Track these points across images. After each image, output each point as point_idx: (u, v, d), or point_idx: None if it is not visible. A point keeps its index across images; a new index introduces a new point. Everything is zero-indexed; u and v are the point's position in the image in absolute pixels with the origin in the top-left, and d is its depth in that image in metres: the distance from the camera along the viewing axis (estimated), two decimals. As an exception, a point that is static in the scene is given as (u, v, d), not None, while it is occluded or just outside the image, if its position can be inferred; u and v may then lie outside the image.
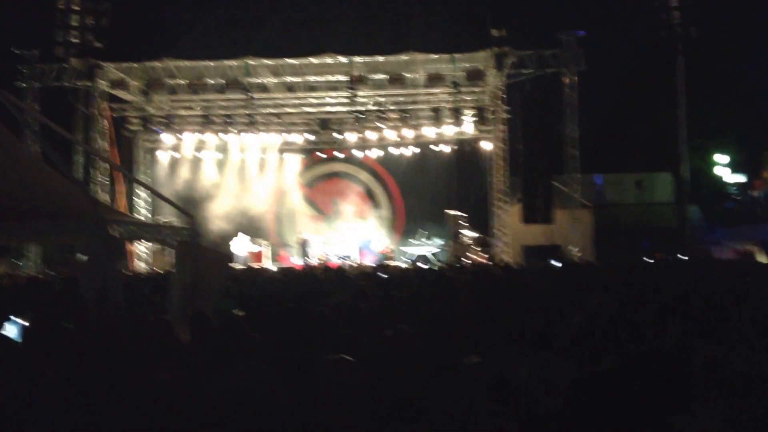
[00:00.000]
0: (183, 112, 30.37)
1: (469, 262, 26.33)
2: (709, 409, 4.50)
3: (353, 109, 29.14)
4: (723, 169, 38.26)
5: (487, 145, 29.75)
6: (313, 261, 28.16)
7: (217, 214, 29.36)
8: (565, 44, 27.13)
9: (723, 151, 38.06)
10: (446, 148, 31.01)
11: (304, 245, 29.93)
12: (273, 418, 4.15)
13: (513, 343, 6.32)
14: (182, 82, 28.05)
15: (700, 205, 34.12)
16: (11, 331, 8.50)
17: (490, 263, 25.30)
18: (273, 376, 4.24)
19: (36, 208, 7.42)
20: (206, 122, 29.60)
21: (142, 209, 31.01)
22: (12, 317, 8.17)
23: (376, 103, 29.29)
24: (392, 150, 31.42)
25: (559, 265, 21.54)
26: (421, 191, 31.66)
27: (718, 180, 38.31)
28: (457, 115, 28.78)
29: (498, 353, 5.91)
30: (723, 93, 39.68)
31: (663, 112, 32.81)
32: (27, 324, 8.15)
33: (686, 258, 23.68)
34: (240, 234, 29.28)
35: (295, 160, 32.97)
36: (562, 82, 27.55)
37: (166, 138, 30.72)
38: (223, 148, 31.70)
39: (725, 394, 4.59)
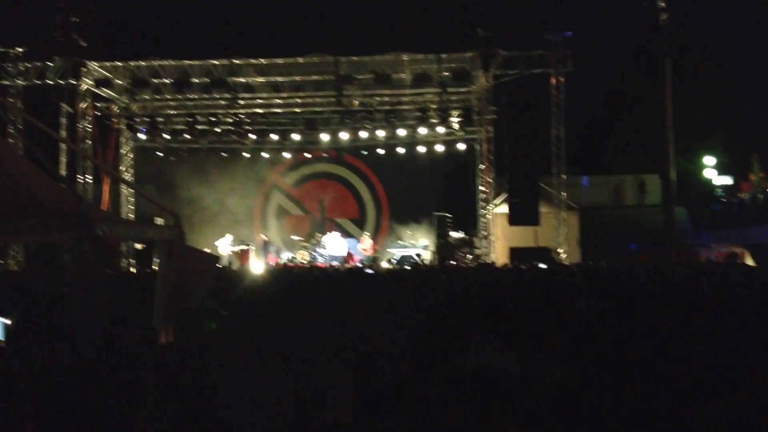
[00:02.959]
0: (168, 111, 30.22)
1: (455, 263, 26.32)
2: (703, 409, 4.48)
3: (339, 109, 29.07)
4: (710, 171, 38.35)
5: (473, 146, 29.74)
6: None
7: (202, 213, 29.23)
8: (552, 45, 27.05)
9: (710, 154, 38.14)
10: (432, 149, 30.97)
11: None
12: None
13: (502, 343, 6.29)
14: (167, 81, 27.89)
15: (687, 207, 34.16)
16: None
17: (477, 264, 25.32)
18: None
19: (21, 206, 7.33)
20: (191, 121, 29.45)
21: (127, 208, 30.86)
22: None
23: (362, 103, 29.23)
24: (378, 150, 31.36)
25: (545, 266, 21.52)
26: (407, 192, 31.61)
27: (706, 182, 38.40)
28: (443, 115, 28.75)
29: (486, 353, 5.87)
30: (710, 95, 39.78)
31: (650, 114, 32.84)
32: (9, 323, 8.06)
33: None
34: (226, 234, 29.17)
35: (281, 160, 32.85)
36: (549, 83, 27.54)
37: (151, 137, 30.59)
38: (208, 148, 31.55)
39: (720, 394, 4.58)
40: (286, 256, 29.86)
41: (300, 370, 4.75)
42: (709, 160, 38.29)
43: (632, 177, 35.35)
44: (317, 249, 29.39)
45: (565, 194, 28.39)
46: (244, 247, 29.29)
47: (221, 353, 5.97)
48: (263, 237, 30.61)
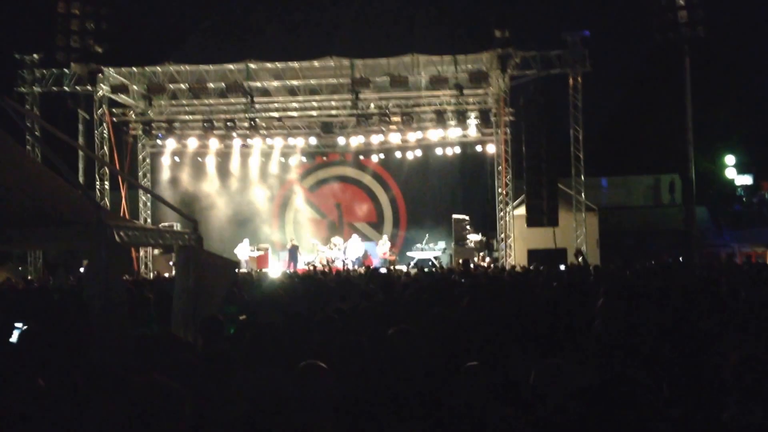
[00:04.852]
0: (184, 117, 30.23)
1: (473, 266, 26.15)
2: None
3: (355, 112, 28.95)
4: (731, 170, 38.00)
5: (490, 148, 29.54)
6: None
7: (220, 218, 29.23)
8: (569, 45, 26.87)
9: (731, 153, 37.80)
10: (449, 151, 30.85)
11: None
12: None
13: (522, 348, 6.21)
14: (183, 86, 27.88)
15: (708, 207, 33.88)
16: (15, 337, 8.38)
17: (495, 267, 25.14)
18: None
19: (39, 214, 7.29)
20: (208, 126, 29.44)
21: (144, 214, 30.90)
22: (17, 324, 8.06)
23: (378, 106, 29.11)
24: (395, 153, 31.28)
25: (563, 268, 21.30)
26: (424, 195, 31.55)
27: (727, 182, 38.06)
28: (460, 117, 28.60)
29: (507, 357, 5.79)
30: (730, 94, 39.45)
31: (669, 114, 32.59)
32: (26, 329, 8.03)
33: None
34: (244, 239, 29.16)
35: (298, 164, 32.84)
36: (566, 84, 27.37)
37: (168, 143, 30.63)
38: (224, 153, 31.59)
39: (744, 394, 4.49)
40: (305, 260, 29.77)
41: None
42: (729, 160, 37.94)
43: (653, 177, 35.12)
44: (336, 253, 29.29)
45: (584, 195, 28.19)
46: (261, 252, 29.28)
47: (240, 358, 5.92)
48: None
